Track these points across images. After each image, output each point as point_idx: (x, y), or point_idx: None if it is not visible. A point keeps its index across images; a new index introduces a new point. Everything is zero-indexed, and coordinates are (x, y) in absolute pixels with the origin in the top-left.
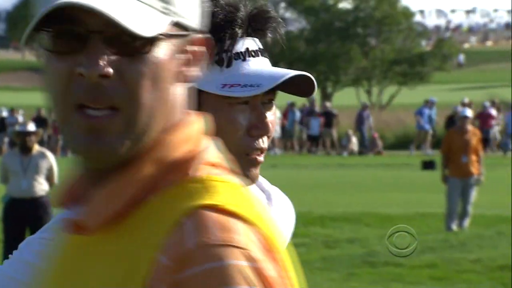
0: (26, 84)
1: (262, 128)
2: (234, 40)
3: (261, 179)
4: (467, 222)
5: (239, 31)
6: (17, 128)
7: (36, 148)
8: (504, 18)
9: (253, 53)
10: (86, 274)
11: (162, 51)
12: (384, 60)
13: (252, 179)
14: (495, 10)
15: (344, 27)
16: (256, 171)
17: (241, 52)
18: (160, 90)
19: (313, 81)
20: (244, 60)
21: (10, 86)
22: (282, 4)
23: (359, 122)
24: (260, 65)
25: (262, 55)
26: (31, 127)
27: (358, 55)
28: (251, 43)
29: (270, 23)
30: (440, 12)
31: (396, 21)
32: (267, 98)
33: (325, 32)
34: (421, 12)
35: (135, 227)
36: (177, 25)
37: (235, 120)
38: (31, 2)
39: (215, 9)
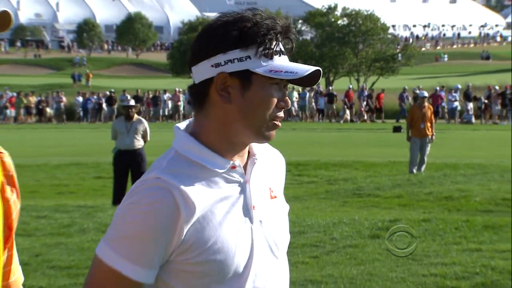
0: (128, 74)
1: (285, 102)
2: (276, 42)
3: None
4: (423, 168)
5: (278, 36)
6: (123, 102)
7: (135, 116)
8: (449, 30)
9: (283, 52)
10: None
11: None
12: (368, 58)
13: (269, 138)
14: (443, 25)
15: (341, 36)
16: (274, 132)
17: (277, 50)
18: None
19: (320, 75)
20: (279, 56)
21: (118, 75)
22: (300, 21)
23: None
24: (287, 60)
25: (285, 54)
26: (132, 102)
27: (351, 55)
28: (281, 46)
29: (293, 34)
30: (406, 26)
31: (376, 32)
32: (285, 84)
33: (328, 40)
34: (393, 26)
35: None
36: None
37: (272, 95)
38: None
39: (263, 21)
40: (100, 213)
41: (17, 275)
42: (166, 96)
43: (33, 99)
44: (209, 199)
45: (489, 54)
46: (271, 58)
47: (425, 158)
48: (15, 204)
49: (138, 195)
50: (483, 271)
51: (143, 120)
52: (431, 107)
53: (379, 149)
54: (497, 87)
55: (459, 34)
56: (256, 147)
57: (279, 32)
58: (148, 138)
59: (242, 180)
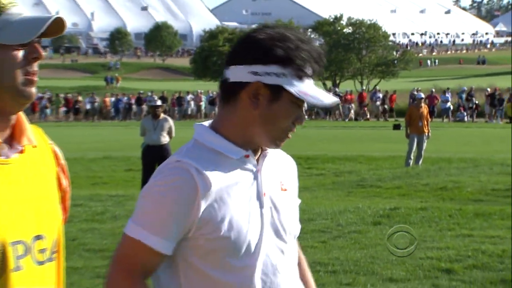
0: (155, 77)
1: (301, 120)
2: (310, 67)
3: None
4: (421, 161)
5: (313, 63)
6: (151, 103)
7: (162, 115)
8: (444, 38)
9: (312, 76)
10: None
11: None
12: (371, 63)
13: (279, 146)
14: (438, 33)
15: (346, 43)
16: (284, 142)
17: (308, 74)
18: None
19: (337, 104)
20: (308, 79)
21: (146, 78)
22: (309, 29)
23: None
24: (312, 84)
25: (313, 78)
26: (159, 102)
27: (355, 60)
28: (311, 70)
29: (323, 61)
30: (405, 34)
31: (378, 40)
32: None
33: (335, 47)
34: (393, 34)
35: None
36: None
37: (294, 112)
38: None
39: (304, 46)
40: (130, 202)
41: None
42: (189, 97)
43: (71, 100)
44: (224, 181)
45: (485, 58)
46: (302, 80)
47: (422, 153)
48: (67, 192)
49: (160, 175)
50: (474, 254)
51: (169, 118)
52: (426, 107)
53: (381, 145)
54: (488, 89)
55: (454, 41)
56: None
57: (314, 59)
58: (173, 135)
59: (254, 169)
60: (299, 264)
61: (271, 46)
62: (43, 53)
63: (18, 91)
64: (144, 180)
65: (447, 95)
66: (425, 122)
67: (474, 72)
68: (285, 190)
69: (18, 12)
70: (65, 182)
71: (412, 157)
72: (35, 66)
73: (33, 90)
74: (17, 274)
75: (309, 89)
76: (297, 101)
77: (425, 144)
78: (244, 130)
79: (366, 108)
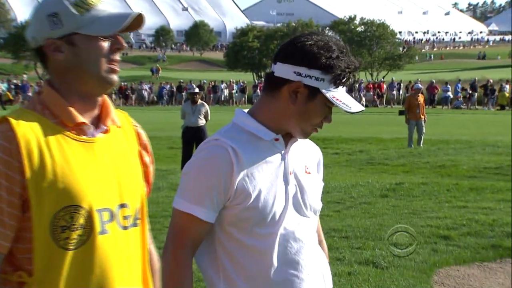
0: (194, 68)
1: (329, 121)
2: (346, 77)
3: None
4: (422, 142)
5: (349, 74)
6: (190, 90)
7: (199, 101)
8: (444, 36)
9: (346, 84)
10: None
11: None
12: (380, 57)
13: (306, 138)
14: (439, 32)
15: (359, 40)
16: (309, 136)
17: (343, 82)
18: None
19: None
20: (342, 87)
21: (186, 69)
22: (327, 28)
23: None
24: (344, 92)
25: (346, 86)
26: (197, 90)
27: (366, 55)
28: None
29: (357, 73)
30: (409, 32)
31: (386, 37)
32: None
33: (349, 43)
34: (400, 32)
35: None
36: None
37: (324, 112)
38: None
39: (344, 58)
40: (171, 175)
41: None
42: (223, 85)
43: (123, 87)
44: (255, 159)
45: (485, 53)
46: (337, 87)
47: (422, 136)
48: (150, 167)
49: (201, 152)
50: (469, 223)
51: (205, 104)
52: (423, 96)
53: (388, 128)
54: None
55: (454, 39)
56: None
57: (351, 71)
58: (209, 118)
59: (283, 151)
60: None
61: (316, 54)
62: (125, 45)
63: (102, 77)
64: (184, 156)
65: (448, 86)
66: (422, 110)
67: (470, 66)
68: (309, 173)
69: (104, 8)
70: (147, 159)
71: (412, 140)
72: (117, 56)
73: (115, 77)
74: (104, 236)
75: (342, 96)
76: (329, 104)
77: (424, 128)
78: (279, 118)
79: (374, 97)
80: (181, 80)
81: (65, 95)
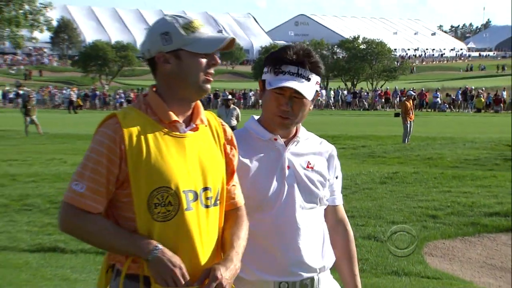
0: (227, 79)
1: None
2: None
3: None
4: (409, 139)
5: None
6: (224, 97)
7: (232, 105)
8: (431, 52)
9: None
10: None
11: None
12: (379, 70)
13: (276, 129)
14: (427, 49)
15: (362, 56)
16: (280, 126)
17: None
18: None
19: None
20: (283, 74)
21: (221, 80)
22: (335, 46)
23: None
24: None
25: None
26: (229, 96)
27: (367, 68)
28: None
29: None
30: (403, 49)
31: (384, 53)
32: (291, 95)
33: (353, 58)
34: (395, 49)
35: None
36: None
37: (274, 100)
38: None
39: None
40: None
41: (241, 198)
42: (251, 93)
43: None
44: (254, 155)
45: (472, 65)
46: (277, 75)
47: (411, 132)
48: (234, 157)
49: None
50: (452, 205)
51: (237, 108)
52: (411, 101)
53: (386, 127)
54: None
55: (442, 55)
56: (303, 133)
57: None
58: (240, 119)
59: (281, 149)
60: (343, 230)
61: (267, 56)
62: (219, 61)
63: (199, 86)
64: None
65: (437, 92)
66: (413, 112)
67: (452, 76)
68: (311, 168)
69: (205, 31)
70: (229, 151)
71: (407, 136)
72: (212, 70)
73: (209, 86)
74: (189, 212)
75: (281, 80)
76: (275, 91)
77: (412, 128)
78: (265, 118)
79: (376, 100)
80: (217, 89)
81: (166, 99)
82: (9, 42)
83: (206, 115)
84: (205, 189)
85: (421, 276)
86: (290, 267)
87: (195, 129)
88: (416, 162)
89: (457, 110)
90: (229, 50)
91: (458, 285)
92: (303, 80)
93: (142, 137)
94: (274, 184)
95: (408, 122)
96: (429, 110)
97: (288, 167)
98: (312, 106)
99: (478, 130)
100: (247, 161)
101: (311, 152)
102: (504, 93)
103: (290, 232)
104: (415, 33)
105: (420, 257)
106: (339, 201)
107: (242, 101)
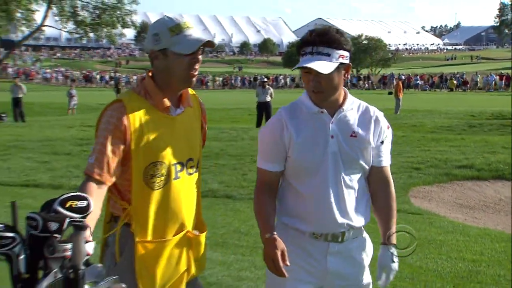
0: (263, 66)
1: (311, 84)
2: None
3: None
4: (399, 111)
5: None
6: (261, 79)
7: (267, 86)
8: (416, 47)
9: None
10: None
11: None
12: (376, 60)
13: (315, 99)
14: (412, 44)
15: (364, 49)
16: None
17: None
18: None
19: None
20: (302, 56)
21: (259, 67)
22: None
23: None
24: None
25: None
26: (265, 79)
27: (368, 58)
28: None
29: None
30: (395, 44)
31: (380, 48)
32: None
33: (357, 51)
34: (389, 44)
35: None
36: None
37: (306, 78)
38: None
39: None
40: (250, 131)
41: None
42: (281, 77)
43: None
44: (302, 124)
45: (456, 56)
46: (302, 57)
47: (401, 106)
48: (206, 130)
49: (267, 122)
50: (432, 160)
51: (271, 88)
52: (400, 82)
53: (382, 102)
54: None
55: (427, 48)
56: (349, 103)
57: (301, 45)
58: (273, 96)
59: (327, 120)
60: (386, 190)
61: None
62: (201, 58)
63: (185, 81)
64: (258, 119)
65: (417, 76)
66: (401, 91)
67: (432, 64)
68: (355, 136)
69: (190, 33)
70: (205, 126)
71: (398, 109)
72: (196, 66)
73: (193, 80)
74: (177, 181)
75: (304, 61)
76: (303, 71)
77: (401, 102)
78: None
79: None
80: (256, 74)
81: (160, 86)
82: (106, 40)
83: (191, 97)
84: (189, 159)
85: (408, 213)
86: (325, 222)
87: (183, 111)
88: (404, 128)
89: (434, 89)
90: (211, 48)
91: (435, 219)
92: (322, 56)
93: (142, 119)
94: (319, 152)
95: (400, 98)
96: (415, 89)
97: (332, 136)
98: (347, 75)
99: (450, 104)
100: (298, 131)
101: (356, 120)
102: (466, 76)
103: (330, 194)
104: (404, 32)
105: (406, 199)
106: (385, 162)
107: (274, 83)
